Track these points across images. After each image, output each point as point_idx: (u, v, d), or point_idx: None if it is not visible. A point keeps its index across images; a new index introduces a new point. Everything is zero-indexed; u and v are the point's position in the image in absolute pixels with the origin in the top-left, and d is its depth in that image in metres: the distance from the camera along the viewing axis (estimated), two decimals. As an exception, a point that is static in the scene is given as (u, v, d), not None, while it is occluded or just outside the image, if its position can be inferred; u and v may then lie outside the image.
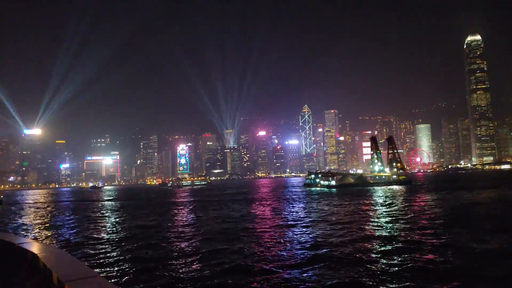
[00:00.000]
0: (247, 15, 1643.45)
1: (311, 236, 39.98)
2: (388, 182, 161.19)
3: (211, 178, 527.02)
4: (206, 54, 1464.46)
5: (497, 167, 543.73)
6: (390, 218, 52.64)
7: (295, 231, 43.67)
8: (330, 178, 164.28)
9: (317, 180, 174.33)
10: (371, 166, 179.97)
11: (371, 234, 39.97)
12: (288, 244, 34.39)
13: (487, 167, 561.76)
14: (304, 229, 44.96)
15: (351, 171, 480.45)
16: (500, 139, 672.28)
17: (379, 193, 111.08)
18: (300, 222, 51.96)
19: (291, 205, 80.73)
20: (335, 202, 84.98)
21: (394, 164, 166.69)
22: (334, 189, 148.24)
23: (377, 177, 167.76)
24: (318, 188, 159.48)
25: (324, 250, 32.15)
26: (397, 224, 46.80)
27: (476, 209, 62.81)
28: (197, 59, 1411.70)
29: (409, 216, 55.18)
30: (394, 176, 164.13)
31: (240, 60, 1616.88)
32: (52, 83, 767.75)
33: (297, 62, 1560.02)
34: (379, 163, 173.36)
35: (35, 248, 10.79)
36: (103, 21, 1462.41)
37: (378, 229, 43.31)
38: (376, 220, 52.10)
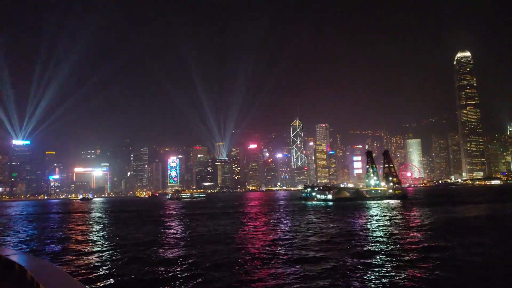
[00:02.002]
0: (240, 29, 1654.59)
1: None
2: (384, 196, 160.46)
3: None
4: (198, 66, 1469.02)
5: (487, 182, 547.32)
6: (395, 237, 51.62)
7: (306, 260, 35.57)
8: (327, 192, 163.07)
9: (313, 194, 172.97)
10: (367, 180, 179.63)
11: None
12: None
13: (477, 182, 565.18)
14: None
15: (341, 185, 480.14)
16: (490, 155, 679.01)
17: (377, 208, 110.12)
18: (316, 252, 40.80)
19: (296, 223, 72.81)
20: (339, 219, 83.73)
21: (390, 178, 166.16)
22: (330, 203, 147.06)
23: (373, 191, 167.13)
24: (314, 202, 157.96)
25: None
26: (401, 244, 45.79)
27: (475, 223, 62.60)
28: (188, 71, 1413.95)
29: (409, 232, 54.34)
30: (390, 191, 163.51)
31: (231, 73, 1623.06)
32: (42, 93, 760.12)
33: (289, 76, 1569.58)
34: (375, 177, 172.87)
35: (22, 260, 10.58)
36: (97, 31, 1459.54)
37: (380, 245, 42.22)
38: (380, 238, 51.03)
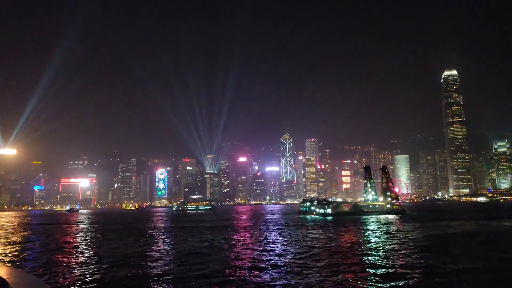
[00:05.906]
0: (232, 43, 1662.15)
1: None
2: (382, 211, 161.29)
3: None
4: (189, 79, 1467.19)
5: (473, 199, 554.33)
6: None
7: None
8: (326, 206, 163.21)
9: (312, 208, 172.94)
10: (365, 195, 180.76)
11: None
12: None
13: (463, 199, 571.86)
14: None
15: (330, 199, 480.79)
16: (476, 172, 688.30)
17: (377, 223, 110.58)
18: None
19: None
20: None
21: (388, 193, 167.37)
22: (329, 217, 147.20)
23: (371, 206, 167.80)
24: (313, 216, 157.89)
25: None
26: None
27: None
28: (179, 83, 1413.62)
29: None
30: (388, 206, 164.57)
31: (222, 86, 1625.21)
32: (30, 101, 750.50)
33: (279, 90, 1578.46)
34: (373, 192, 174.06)
35: (3, 272, 10.37)
36: (84, 42, 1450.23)
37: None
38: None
